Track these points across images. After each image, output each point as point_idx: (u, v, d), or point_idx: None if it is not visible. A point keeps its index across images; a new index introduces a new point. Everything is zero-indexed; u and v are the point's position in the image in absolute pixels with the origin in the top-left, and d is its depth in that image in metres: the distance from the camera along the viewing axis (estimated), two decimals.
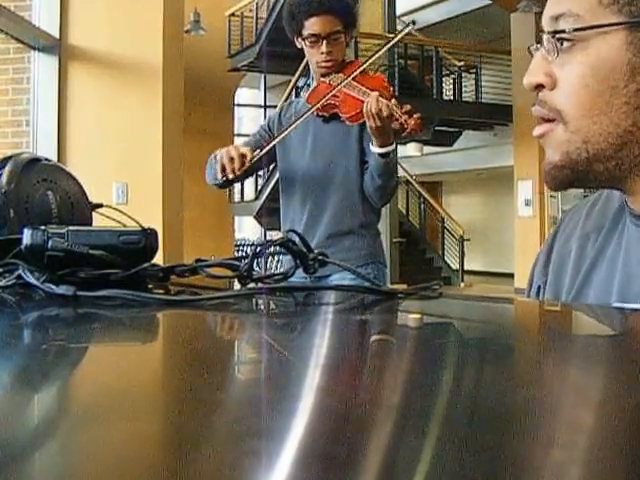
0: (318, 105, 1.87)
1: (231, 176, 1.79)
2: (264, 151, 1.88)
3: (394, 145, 1.82)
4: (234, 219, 10.64)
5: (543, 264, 0.79)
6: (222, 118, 9.90)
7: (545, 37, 0.65)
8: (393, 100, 1.76)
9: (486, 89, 9.98)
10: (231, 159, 1.78)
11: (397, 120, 1.71)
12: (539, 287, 0.79)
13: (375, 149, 1.82)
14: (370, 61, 1.92)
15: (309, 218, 1.96)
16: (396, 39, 2.08)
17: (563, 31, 0.63)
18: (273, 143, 1.92)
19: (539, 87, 0.65)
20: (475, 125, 10.43)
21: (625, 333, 0.54)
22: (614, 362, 0.41)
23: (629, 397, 0.32)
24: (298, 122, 1.88)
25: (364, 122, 1.78)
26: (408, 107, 1.73)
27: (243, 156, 1.79)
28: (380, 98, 1.74)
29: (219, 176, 1.81)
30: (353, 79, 1.88)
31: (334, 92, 1.86)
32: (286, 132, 1.90)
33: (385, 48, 2.00)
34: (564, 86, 0.64)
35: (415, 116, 1.71)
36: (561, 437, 0.26)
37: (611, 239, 0.70)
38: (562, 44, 0.64)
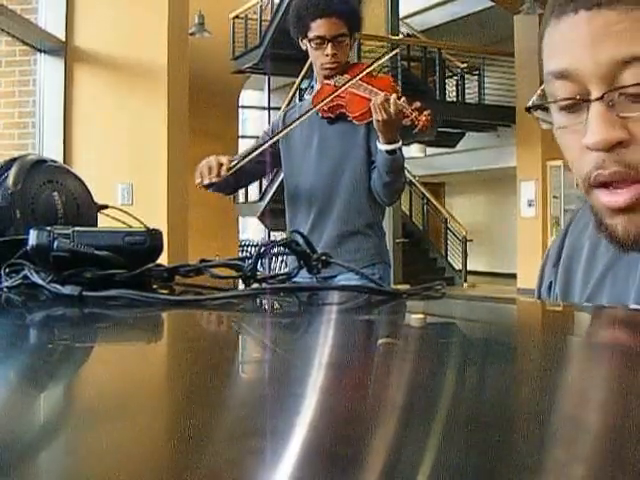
0: (322, 104, 1.89)
1: (206, 181, 1.88)
2: (246, 160, 1.92)
3: (400, 142, 1.83)
4: (238, 220, 10.64)
5: (554, 260, 0.77)
6: (226, 119, 9.90)
7: (610, 95, 0.54)
8: (402, 98, 1.77)
9: (489, 91, 9.97)
10: (209, 168, 1.87)
11: (408, 117, 1.74)
12: (550, 283, 0.77)
13: (382, 146, 1.82)
14: (362, 75, 1.92)
15: (316, 219, 1.96)
16: (384, 59, 2.11)
17: None
18: (259, 150, 1.94)
19: (615, 146, 0.55)
20: (478, 126, 10.41)
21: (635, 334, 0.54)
22: (618, 363, 0.41)
23: (632, 398, 0.32)
24: (296, 123, 1.90)
25: (371, 122, 1.79)
26: (418, 104, 1.76)
27: (220, 165, 1.87)
28: (388, 94, 1.76)
29: (196, 181, 1.91)
30: (360, 80, 1.89)
31: (340, 92, 1.87)
32: (281, 134, 1.93)
33: (374, 65, 2.04)
34: None
35: (425, 113, 1.73)
36: (563, 437, 0.27)
37: None
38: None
